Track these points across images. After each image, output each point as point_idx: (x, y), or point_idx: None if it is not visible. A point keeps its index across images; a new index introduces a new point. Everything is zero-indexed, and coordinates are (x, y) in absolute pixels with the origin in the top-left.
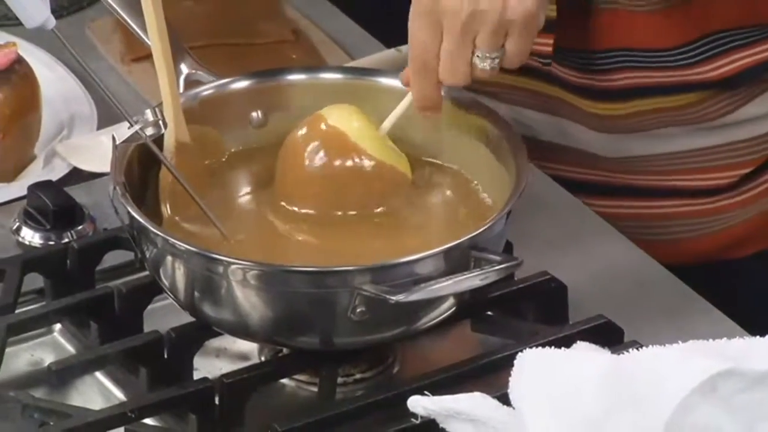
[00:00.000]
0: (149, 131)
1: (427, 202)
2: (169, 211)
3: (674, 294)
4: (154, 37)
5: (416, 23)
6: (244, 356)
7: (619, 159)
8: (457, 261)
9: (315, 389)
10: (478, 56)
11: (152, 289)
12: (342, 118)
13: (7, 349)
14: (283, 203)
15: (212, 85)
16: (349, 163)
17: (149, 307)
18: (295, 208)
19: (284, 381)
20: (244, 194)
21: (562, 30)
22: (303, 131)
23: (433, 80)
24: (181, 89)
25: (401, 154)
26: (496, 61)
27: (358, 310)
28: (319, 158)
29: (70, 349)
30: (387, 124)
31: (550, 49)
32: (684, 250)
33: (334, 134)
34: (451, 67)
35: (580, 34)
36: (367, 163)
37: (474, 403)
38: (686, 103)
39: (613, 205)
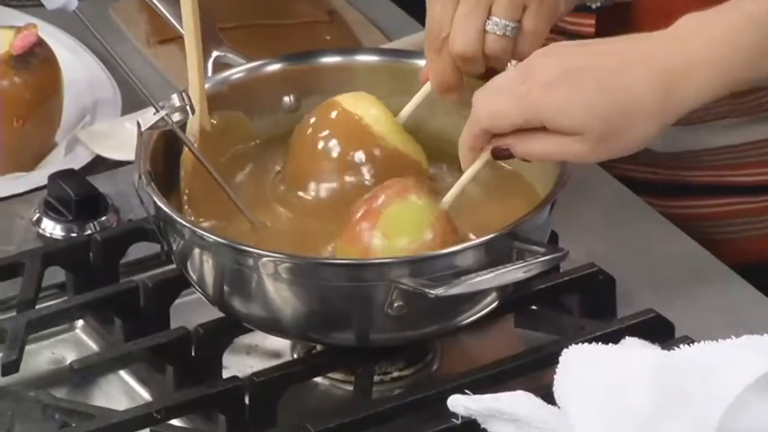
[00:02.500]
0: (176, 117)
1: (468, 191)
2: (188, 201)
3: (727, 286)
4: (188, 14)
5: None
6: (275, 354)
7: (673, 154)
8: (499, 252)
9: (350, 388)
10: (494, 23)
11: (179, 283)
12: (358, 105)
13: (27, 347)
14: (300, 193)
15: (242, 68)
16: (364, 150)
17: (176, 302)
18: (310, 196)
19: (318, 380)
20: (273, 182)
21: (604, 12)
22: (315, 118)
23: (449, 55)
24: (210, 72)
25: (417, 144)
26: (510, 30)
27: (396, 304)
28: (334, 145)
29: (93, 346)
30: (405, 113)
31: (592, 30)
32: (740, 251)
33: (350, 121)
34: (461, 31)
35: (623, 17)
36: (382, 152)
37: (517, 402)
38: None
39: (666, 204)
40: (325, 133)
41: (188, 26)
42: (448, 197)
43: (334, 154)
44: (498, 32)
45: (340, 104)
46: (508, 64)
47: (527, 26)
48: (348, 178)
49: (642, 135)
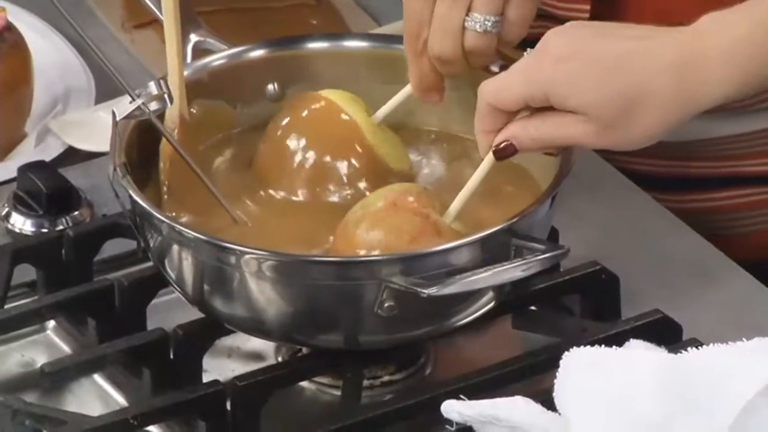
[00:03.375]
0: (153, 106)
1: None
2: (167, 194)
3: (738, 285)
4: None
5: None
6: (258, 356)
7: (677, 144)
8: (496, 250)
9: (338, 393)
10: (473, 20)
11: (156, 281)
12: (337, 99)
13: None
14: (274, 190)
15: (224, 54)
16: (343, 146)
17: (153, 301)
18: (284, 194)
19: (304, 384)
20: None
21: None
22: (293, 112)
23: (428, 57)
24: (189, 59)
25: (397, 144)
26: (491, 25)
27: (386, 304)
28: (307, 142)
29: (66, 348)
30: (381, 113)
31: (587, 16)
32: (752, 245)
33: (332, 115)
34: (440, 31)
35: (618, 3)
36: (360, 150)
37: (515, 408)
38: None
39: (671, 199)
40: (301, 127)
41: (167, 7)
42: (453, 209)
43: (311, 151)
44: (478, 29)
45: (320, 97)
46: (524, 54)
47: (511, 15)
48: (326, 175)
49: (650, 126)
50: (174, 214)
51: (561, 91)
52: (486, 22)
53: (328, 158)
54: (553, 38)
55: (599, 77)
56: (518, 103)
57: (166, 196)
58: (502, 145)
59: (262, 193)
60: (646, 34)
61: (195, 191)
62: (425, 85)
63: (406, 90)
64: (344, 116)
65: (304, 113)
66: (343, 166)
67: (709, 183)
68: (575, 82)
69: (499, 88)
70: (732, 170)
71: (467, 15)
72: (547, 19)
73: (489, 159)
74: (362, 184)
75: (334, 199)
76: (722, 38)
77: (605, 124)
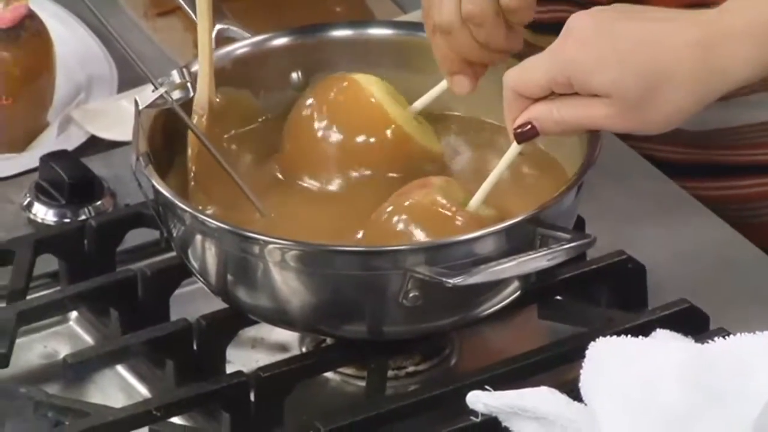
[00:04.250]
0: (176, 95)
1: (489, 168)
2: (193, 180)
3: (765, 275)
4: None
5: None
6: (282, 347)
7: (703, 132)
8: (521, 239)
9: (362, 384)
10: None
11: (180, 272)
12: (369, 84)
13: (18, 340)
14: (302, 180)
15: (247, 42)
16: (375, 133)
17: (176, 292)
18: (313, 183)
19: (328, 375)
20: (280, 165)
21: None
22: (316, 95)
23: (442, 38)
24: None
25: (427, 129)
26: None
27: (411, 294)
28: (334, 125)
29: (88, 339)
30: (419, 104)
31: None
32: None
33: (359, 98)
34: (439, 2)
35: None
36: (393, 135)
37: (541, 398)
38: None
39: (697, 186)
40: (330, 112)
41: None
42: (477, 197)
43: (339, 136)
44: None
45: (348, 79)
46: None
47: None
48: (355, 165)
49: (675, 107)
50: (199, 202)
51: (583, 73)
52: None
53: (357, 140)
54: (577, 22)
55: (622, 57)
56: (542, 87)
57: (192, 183)
58: (525, 128)
59: (288, 183)
60: (671, 16)
61: (220, 181)
62: (447, 68)
63: (443, 84)
64: (372, 99)
65: (331, 95)
66: (372, 150)
67: (730, 170)
68: (598, 64)
69: (522, 73)
70: (752, 159)
71: None
72: (570, 3)
73: (514, 146)
74: (392, 173)
75: (362, 188)
76: (746, 17)
77: (628, 106)
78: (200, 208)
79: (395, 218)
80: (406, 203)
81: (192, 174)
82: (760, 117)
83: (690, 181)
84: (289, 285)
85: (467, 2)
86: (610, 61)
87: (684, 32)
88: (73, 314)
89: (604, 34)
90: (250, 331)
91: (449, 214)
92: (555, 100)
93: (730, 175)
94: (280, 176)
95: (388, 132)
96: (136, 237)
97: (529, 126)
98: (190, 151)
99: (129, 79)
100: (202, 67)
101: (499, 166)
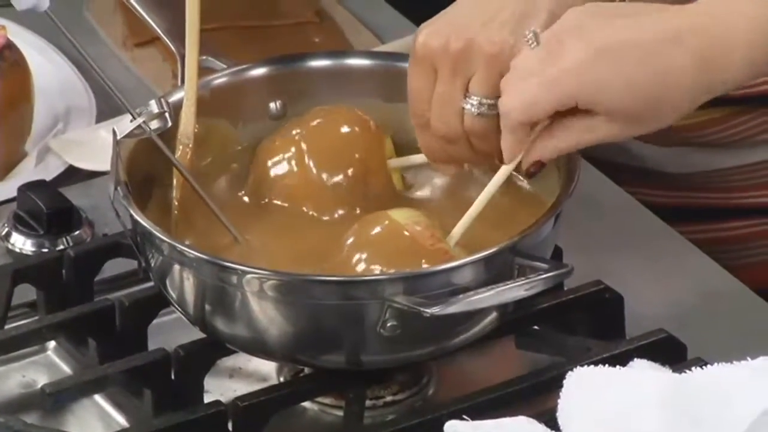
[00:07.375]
0: (154, 125)
1: (467, 198)
2: (177, 210)
3: (743, 304)
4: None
5: (411, 71)
6: (261, 377)
7: (680, 175)
8: (499, 269)
9: (340, 414)
10: (470, 102)
11: (158, 301)
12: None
13: None
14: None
15: (225, 72)
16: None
17: (154, 322)
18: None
19: (306, 404)
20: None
21: None
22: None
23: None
24: None
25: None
26: (486, 108)
27: (389, 324)
28: (306, 156)
29: (66, 369)
30: (396, 163)
31: None
32: (755, 277)
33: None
34: (439, 112)
35: None
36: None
37: (519, 428)
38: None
39: (680, 231)
40: (301, 141)
41: (191, 19)
42: (456, 231)
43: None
44: (474, 111)
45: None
46: (526, 41)
47: None
48: (328, 193)
49: (674, 112)
50: (183, 231)
51: (592, 97)
52: (481, 106)
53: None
54: (567, 42)
55: (628, 75)
56: (549, 114)
57: (176, 212)
58: (536, 165)
59: (264, 210)
60: (663, 19)
61: (201, 209)
62: (435, 158)
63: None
64: (345, 129)
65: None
66: (346, 182)
67: (713, 214)
68: (605, 85)
69: (527, 103)
70: (735, 202)
71: (465, 95)
72: None
73: (493, 183)
74: (363, 202)
75: (336, 216)
76: (738, 21)
77: (632, 119)
78: (184, 236)
79: (358, 252)
80: (372, 232)
81: (175, 203)
82: (738, 161)
83: (673, 225)
84: (267, 314)
85: (471, 121)
86: (615, 85)
87: (682, 44)
88: (52, 344)
89: (603, 56)
90: (228, 361)
91: (419, 242)
92: (555, 129)
93: (710, 219)
94: (257, 204)
95: (363, 164)
96: (114, 267)
97: (536, 162)
98: (175, 181)
99: (107, 109)
100: (188, 97)
101: (478, 202)
